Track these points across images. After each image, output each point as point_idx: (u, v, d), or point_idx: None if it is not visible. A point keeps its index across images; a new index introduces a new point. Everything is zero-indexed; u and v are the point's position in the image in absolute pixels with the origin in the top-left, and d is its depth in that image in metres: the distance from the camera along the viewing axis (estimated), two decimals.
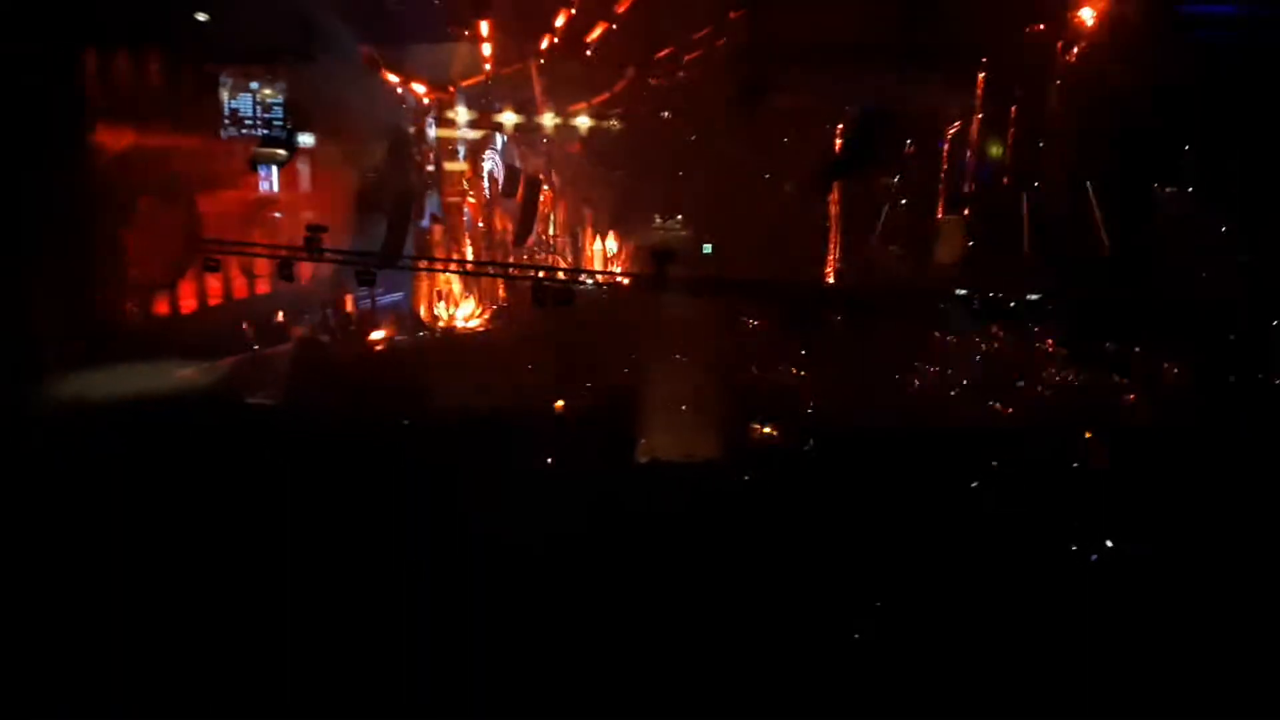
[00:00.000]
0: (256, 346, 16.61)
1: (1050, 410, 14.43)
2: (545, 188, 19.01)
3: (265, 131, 17.05)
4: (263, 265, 16.27)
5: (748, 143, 17.30)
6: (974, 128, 17.02)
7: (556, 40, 17.03)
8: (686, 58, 17.43)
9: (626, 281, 17.77)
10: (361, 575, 8.16)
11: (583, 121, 18.70)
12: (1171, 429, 12.99)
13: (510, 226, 18.95)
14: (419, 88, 18.14)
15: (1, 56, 12.44)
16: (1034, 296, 13.96)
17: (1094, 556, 9.23)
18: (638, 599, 7.96)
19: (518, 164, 19.23)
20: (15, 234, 12.71)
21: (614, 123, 18.99)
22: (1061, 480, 11.01)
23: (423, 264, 17.50)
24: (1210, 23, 13.78)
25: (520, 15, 16.85)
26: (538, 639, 7.47)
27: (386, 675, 7.23)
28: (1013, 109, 16.56)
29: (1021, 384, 15.29)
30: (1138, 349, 14.65)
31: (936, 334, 16.25)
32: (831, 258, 17.61)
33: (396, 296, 18.54)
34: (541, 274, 15.07)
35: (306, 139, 17.37)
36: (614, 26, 16.46)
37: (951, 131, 17.38)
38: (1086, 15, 15.09)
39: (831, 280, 17.31)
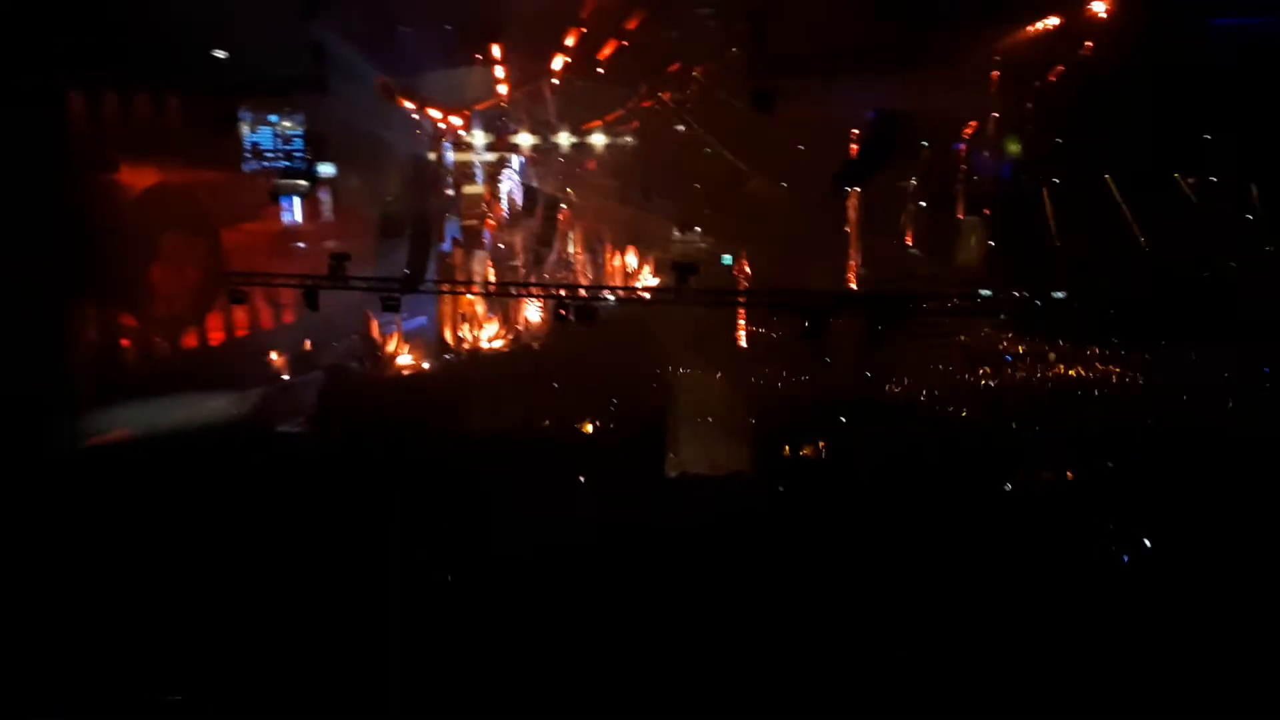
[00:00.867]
0: (285, 376, 16.77)
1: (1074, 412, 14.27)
2: (563, 206, 19.11)
3: (286, 163, 17.25)
4: (288, 295, 16.44)
5: (763, 152, 17.36)
6: (991, 127, 16.96)
7: (569, 59, 17.13)
8: (697, 71, 17.48)
9: (648, 296, 17.79)
10: (395, 596, 8.22)
11: (598, 139, 18.82)
12: (1193, 427, 12.81)
13: (530, 246, 19.05)
14: (435, 113, 18.31)
15: (25, 96, 12.72)
16: (1059, 294, 13.85)
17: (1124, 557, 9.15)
18: (661, 611, 7.96)
19: (535, 184, 19.35)
20: (45, 270, 12.94)
21: (629, 139, 19.10)
22: (1088, 483, 10.88)
23: (445, 287, 17.60)
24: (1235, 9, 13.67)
25: (531, 37, 16.96)
26: (563, 651, 7.49)
27: (417, 687, 7.33)
28: (1028, 105, 16.48)
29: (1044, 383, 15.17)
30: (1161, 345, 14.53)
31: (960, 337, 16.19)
32: (853, 263, 17.58)
33: (421, 320, 18.66)
34: (563, 292, 15.12)
35: (327, 169, 17.57)
36: (625, 44, 16.53)
37: (968, 132, 17.34)
38: (1099, 8, 14.99)
39: (854, 286, 17.27)
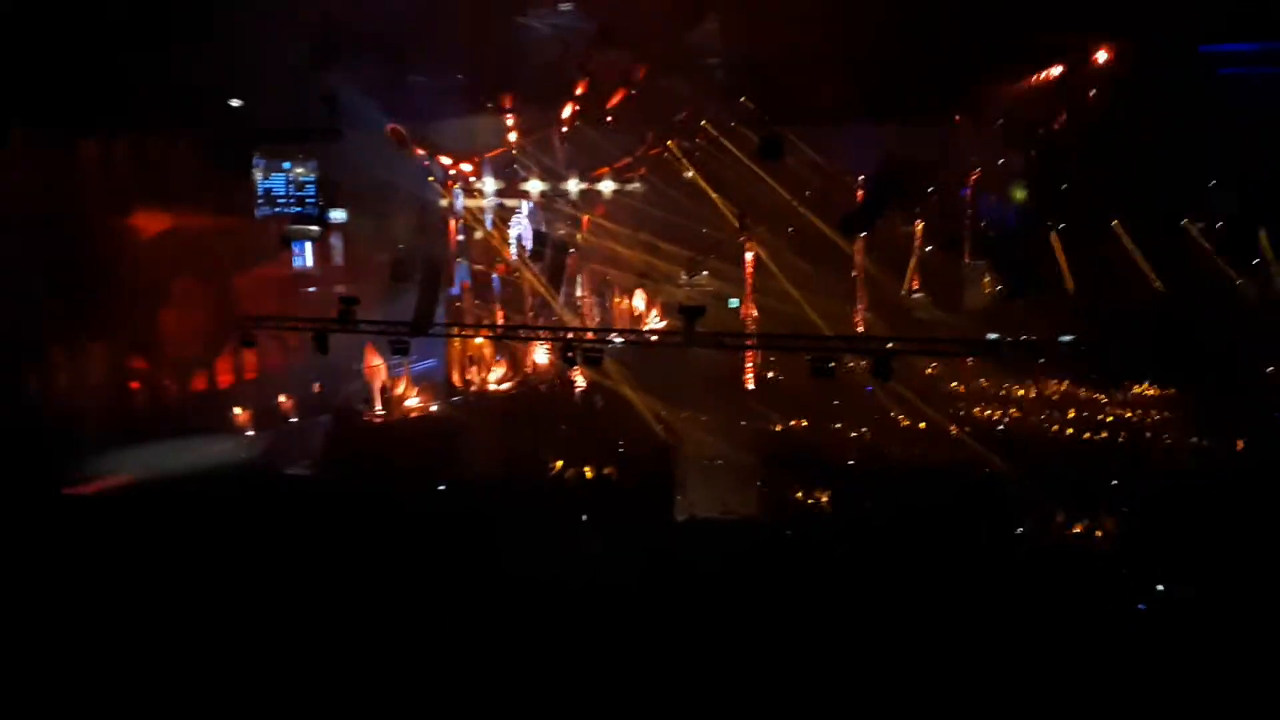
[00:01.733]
0: (294, 419, 16.80)
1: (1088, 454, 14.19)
2: (571, 250, 19.24)
3: (298, 209, 17.44)
4: (298, 338, 16.52)
5: (769, 198, 17.52)
6: (996, 173, 17.09)
7: (578, 108, 17.38)
8: (704, 121, 17.71)
9: (655, 339, 17.81)
10: (400, 637, 8.17)
11: (606, 185, 19.03)
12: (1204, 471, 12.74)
13: (538, 290, 19.16)
14: (446, 160, 18.54)
15: (40, 143, 12.96)
16: (1066, 339, 13.85)
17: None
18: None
19: (544, 229, 19.51)
20: (55, 313, 13.08)
21: (637, 185, 19.30)
22: (1102, 526, 10.79)
23: (454, 330, 17.67)
24: (1233, 60, 13.79)
25: (541, 85, 17.22)
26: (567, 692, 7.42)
27: None
28: (1033, 152, 16.63)
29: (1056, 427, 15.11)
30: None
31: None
32: (859, 306, 17.64)
33: (430, 363, 18.71)
34: (570, 335, 15.17)
35: (338, 215, 17.76)
36: (634, 92, 16.77)
37: (973, 178, 17.48)
38: (1101, 57, 15.18)
39: (860, 329, 17.29)
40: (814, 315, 15.89)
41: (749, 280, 17.69)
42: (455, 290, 18.73)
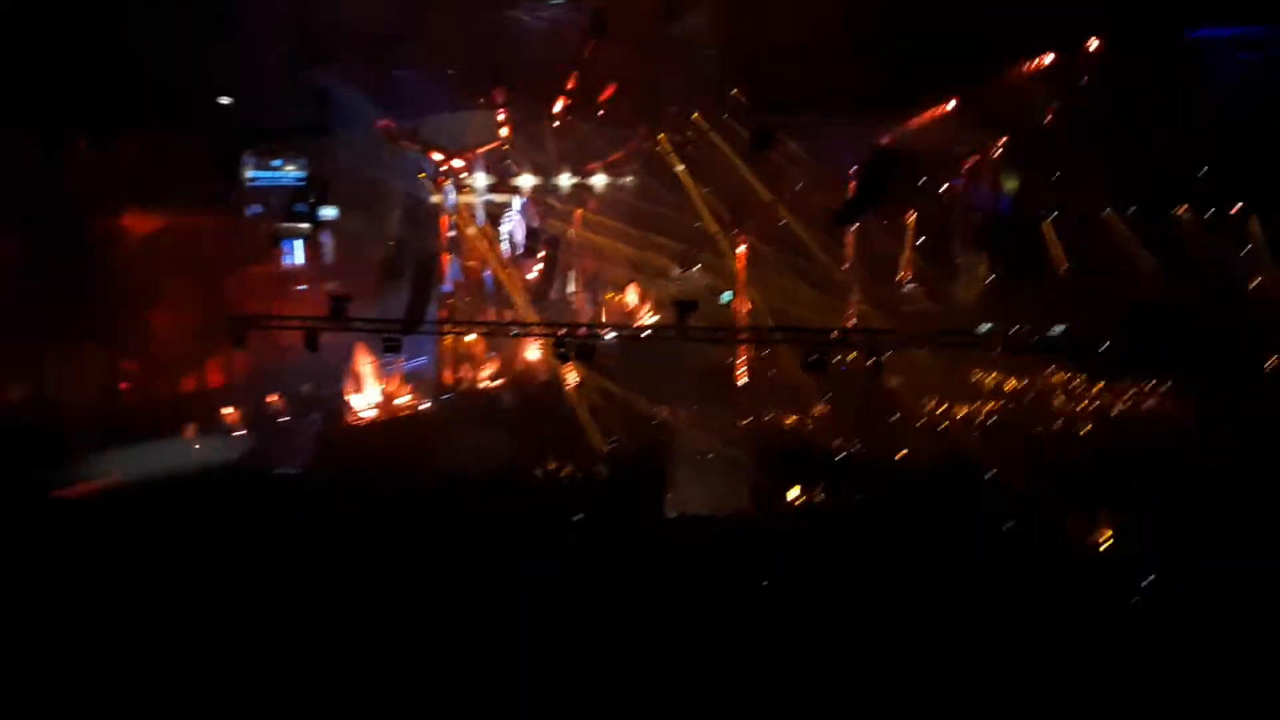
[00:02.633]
0: (285, 418, 16.76)
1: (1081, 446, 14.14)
2: (563, 245, 19.20)
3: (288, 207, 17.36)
4: (289, 337, 16.48)
5: (762, 190, 17.47)
6: (988, 162, 17.04)
7: (569, 102, 17.31)
8: (696, 114, 17.64)
9: (647, 334, 17.77)
10: (400, 639, 8.16)
11: (598, 180, 18.97)
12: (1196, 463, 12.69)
13: (531, 285, 19.11)
14: (437, 156, 18.49)
15: (26, 140, 12.92)
16: (1058, 329, 13.81)
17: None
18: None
19: (536, 224, 19.46)
20: (45, 313, 13.05)
21: (629, 179, 19.24)
22: (1101, 518, 10.73)
23: (446, 327, 17.63)
24: (1222, 46, 13.74)
25: (532, 80, 17.15)
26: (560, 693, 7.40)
27: None
28: (1025, 140, 16.56)
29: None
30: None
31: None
32: (851, 299, 17.59)
33: (421, 361, 18.68)
34: (562, 331, 15.13)
35: (329, 212, 17.70)
36: (625, 86, 16.69)
37: (966, 167, 17.42)
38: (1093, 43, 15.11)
39: (854, 322, 17.25)
40: (803, 309, 15.86)
41: (741, 274, 17.64)
42: (447, 287, 18.68)
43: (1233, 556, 9.01)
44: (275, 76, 14.60)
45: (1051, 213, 16.64)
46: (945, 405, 15.76)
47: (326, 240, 18.37)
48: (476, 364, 18.74)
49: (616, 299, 19.96)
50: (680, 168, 18.11)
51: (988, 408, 15.75)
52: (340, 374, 17.46)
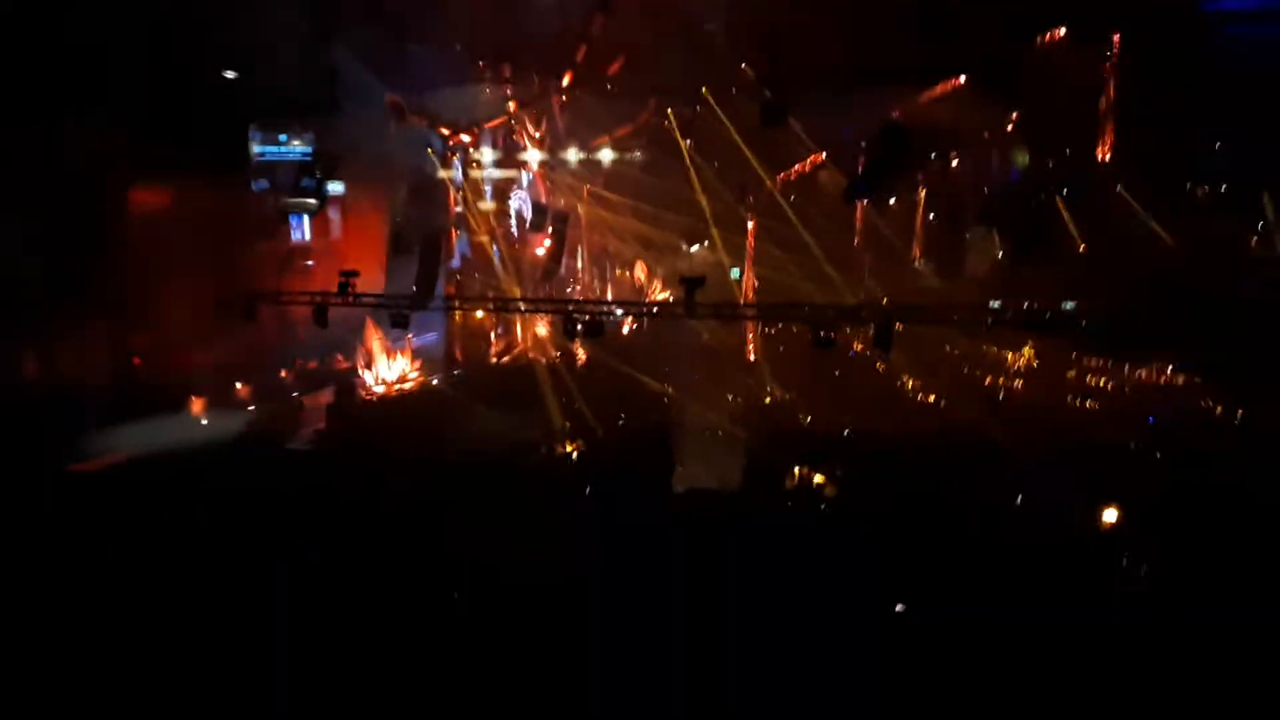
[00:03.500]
0: (296, 393, 16.83)
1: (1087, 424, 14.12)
2: (571, 221, 19.14)
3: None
4: (298, 313, 16.51)
5: (771, 168, 17.37)
6: (1000, 139, 16.88)
7: (578, 76, 17.19)
8: (705, 87, 17.50)
9: (656, 310, 17.78)
10: (398, 616, 8.21)
11: (607, 154, 18.88)
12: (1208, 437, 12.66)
13: (540, 261, 19.09)
14: (444, 131, 18.41)
15: (34, 117, 12.88)
16: (1069, 305, 13.73)
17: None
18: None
19: (544, 200, 19.40)
20: (56, 289, 13.07)
21: (638, 154, 19.14)
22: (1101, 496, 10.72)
23: (455, 303, 17.63)
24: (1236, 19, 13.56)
25: (541, 55, 17.04)
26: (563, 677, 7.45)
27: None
28: (1037, 117, 16.40)
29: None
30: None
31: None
32: (861, 276, 17.53)
33: (430, 337, 18.70)
34: (571, 306, 15.12)
35: (336, 187, 17.65)
36: (634, 60, 16.55)
37: (979, 144, 17.26)
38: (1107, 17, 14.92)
39: (863, 298, 17.19)
40: (811, 285, 15.80)
41: (750, 251, 17.59)
42: (455, 263, 18.67)
43: (1237, 541, 8.97)
44: (283, 52, 14.51)
45: (1063, 188, 16.49)
46: (951, 382, 15.74)
47: (334, 215, 18.33)
48: (485, 340, 18.77)
49: (625, 275, 19.93)
50: (688, 143, 18.00)
51: (998, 384, 15.73)
52: (350, 349, 17.50)
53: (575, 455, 13.74)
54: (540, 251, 19.18)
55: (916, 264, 17.73)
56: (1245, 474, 10.55)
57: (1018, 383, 16.03)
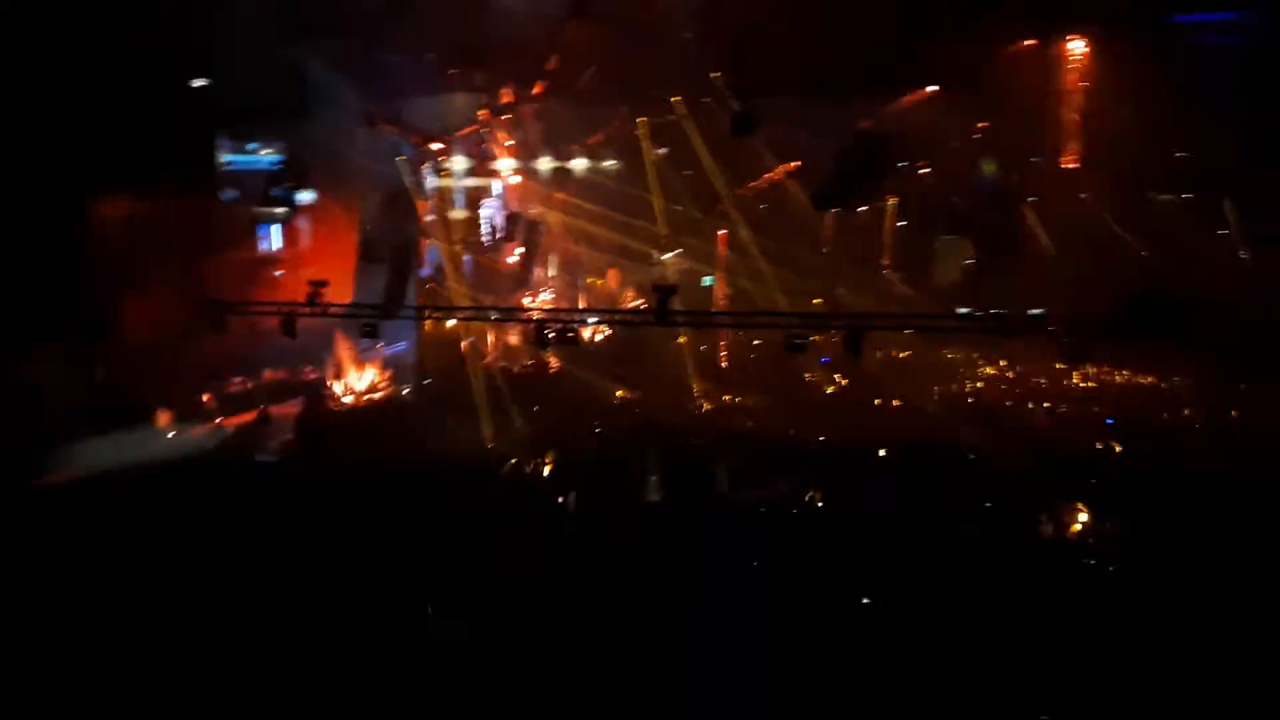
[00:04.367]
0: (262, 406, 16.63)
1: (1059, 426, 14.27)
2: (543, 230, 19.12)
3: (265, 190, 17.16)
4: (267, 323, 16.34)
5: (742, 176, 17.45)
6: (970, 147, 17.06)
7: (549, 85, 17.22)
8: (674, 97, 17.58)
9: (629, 319, 17.76)
10: (374, 626, 8.14)
11: (579, 163, 18.89)
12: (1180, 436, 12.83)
13: (511, 270, 19.04)
14: (416, 140, 18.33)
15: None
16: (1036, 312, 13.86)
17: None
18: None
19: (515, 208, 19.37)
20: (19, 300, 12.86)
21: (610, 162, 19.17)
22: (1074, 500, 10.82)
23: (426, 313, 17.53)
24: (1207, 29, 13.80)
25: (513, 63, 17.04)
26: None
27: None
28: (1009, 124, 16.59)
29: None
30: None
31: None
32: (833, 282, 17.62)
33: (400, 347, 18.57)
34: (542, 315, 15.09)
35: (306, 196, 17.51)
36: (605, 68, 16.59)
37: (948, 152, 17.43)
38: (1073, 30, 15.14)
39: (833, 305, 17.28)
40: (781, 294, 15.88)
41: (722, 258, 17.65)
42: (426, 272, 18.57)
43: (1215, 541, 9.05)
44: (253, 57, 14.41)
45: (1031, 197, 16.69)
46: (923, 388, 15.84)
47: (304, 224, 18.17)
48: (457, 349, 18.65)
49: (597, 284, 19.93)
50: (661, 151, 18.05)
51: (966, 390, 15.87)
52: (320, 360, 17.34)
53: (549, 464, 13.70)
54: (512, 260, 19.12)
55: (885, 272, 17.85)
56: (1212, 474, 10.68)
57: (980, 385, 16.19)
